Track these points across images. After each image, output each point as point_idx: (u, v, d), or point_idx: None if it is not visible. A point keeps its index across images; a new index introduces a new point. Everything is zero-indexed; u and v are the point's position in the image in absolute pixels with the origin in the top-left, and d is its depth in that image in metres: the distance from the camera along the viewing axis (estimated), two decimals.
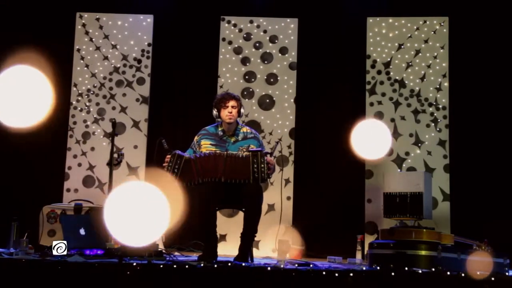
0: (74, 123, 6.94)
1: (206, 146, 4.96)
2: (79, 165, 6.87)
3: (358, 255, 6.12)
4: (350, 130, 6.94)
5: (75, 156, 6.89)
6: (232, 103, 4.95)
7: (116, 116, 6.83)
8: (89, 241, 4.31)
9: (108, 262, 3.89)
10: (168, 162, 4.70)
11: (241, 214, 5.03)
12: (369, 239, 6.45)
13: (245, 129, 5.08)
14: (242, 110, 5.05)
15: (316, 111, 7.12)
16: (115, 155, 5.27)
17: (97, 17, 7.11)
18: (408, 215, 5.53)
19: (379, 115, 6.82)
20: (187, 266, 3.85)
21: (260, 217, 4.79)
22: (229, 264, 4.09)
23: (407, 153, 6.74)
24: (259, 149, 4.74)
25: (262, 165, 4.61)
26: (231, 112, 4.93)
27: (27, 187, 6.74)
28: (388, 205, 5.69)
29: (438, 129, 6.74)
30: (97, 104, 6.99)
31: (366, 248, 6.29)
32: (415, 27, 6.92)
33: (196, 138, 5.06)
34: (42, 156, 6.90)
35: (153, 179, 6.88)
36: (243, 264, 4.22)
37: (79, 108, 6.98)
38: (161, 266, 3.82)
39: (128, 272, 3.70)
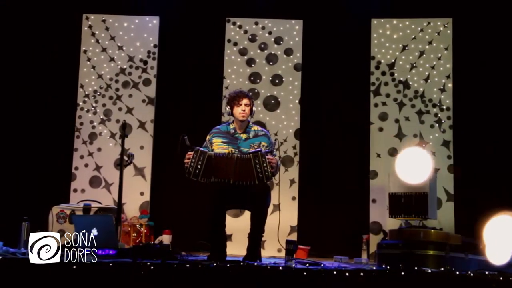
0: (81, 124, 6.99)
1: (218, 144, 5.01)
2: (86, 165, 6.92)
3: (364, 255, 6.17)
4: (355, 130, 7.06)
5: (81, 157, 6.94)
6: (245, 101, 5.02)
7: (122, 117, 6.89)
8: (101, 241, 4.33)
9: (122, 262, 3.93)
10: (190, 158, 4.74)
11: (246, 214, 5.08)
12: (374, 239, 6.51)
13: (256, 127, 5.14)
14: (253, 109, 5.12)
15: (320, 112, 7.15)
16: (125, 157, 5.29)
17: (103, 18, 7.17)
18: (413, 215, 5.58)
19: (384, 116, 6.88)
20: (200, 266, 3.89)
21: (265, 217, 4.85)
22: (242, 263, 4.13)
23: None
24: (259, 149, 4.81)
25: (264, 164, 4.68)
26: (244, 110, 4.99)
27: (35, 188, 6.80)
28: (394, 205, 5.75)
29: (442, 129, 6.79)
30: (104, 105, 7.05)
31: (371, 248, 6.38)
32: (419, 29, 6.98)
33: (208, 137, 5.11)
34: (50, 157, 6.95)
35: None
36: (255, 263, 4.26)
37: (86, 109, 7.03)
38: (175, 266, 3.87)
39: (142, 272, 3.74)
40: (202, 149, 4.80)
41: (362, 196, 6.84)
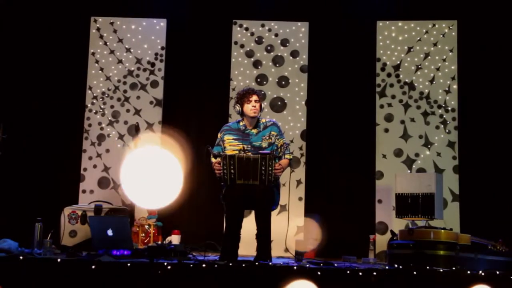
0: (89, 125, 7.05)
1: (229, 141, 5.09)
2: (95, 166, 6.97)
3: (371, 255, 6.23)
4: (360, 131, 7.12)
5: (90, 158, 6.99)
6: (255, 97, 5.10)
7: (130, 119, 6.96)
8: (116, 242, 4.39)
9: (139, 262, 3.99)
10: (222, 166, 4.80)
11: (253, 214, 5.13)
12: (380, 239, 6.57)
13: (264, 119, 5.23)
14: (262, 106, 5.20)
15: (327, 113, 7.21)
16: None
17: (111, 21, 7.22)
18: (419, 215, 5.65)
19: (389, 117, 6.94)
20: (216, 266, 3.95)
21: (270, 217, 4.90)
22: (256, 263, 4.19)
23: (416, 155, 6.85)
24: (268, 152, 4.87)
25: (270, 168, 4.76)
26: (255, 106, 5.08)
27: (46, 189, 6.84)
28: (400, 205, 5.81)
29: (447, 130, 6.86)
30: (112, 106, 7.10)
31: (378, 248, 6.44)
32: (424, 31, 7.04)
33: (219, 135, 5.18)
34: (59, 158, 6.99)
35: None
36: (270, 263, 4.32)
37: (94, 111, 7.08)
38: (191, 265, 3.92)
39: (159, 272, 3.80)
40: (228, 154, 4.86)
41: (368, 197, 6.90)
